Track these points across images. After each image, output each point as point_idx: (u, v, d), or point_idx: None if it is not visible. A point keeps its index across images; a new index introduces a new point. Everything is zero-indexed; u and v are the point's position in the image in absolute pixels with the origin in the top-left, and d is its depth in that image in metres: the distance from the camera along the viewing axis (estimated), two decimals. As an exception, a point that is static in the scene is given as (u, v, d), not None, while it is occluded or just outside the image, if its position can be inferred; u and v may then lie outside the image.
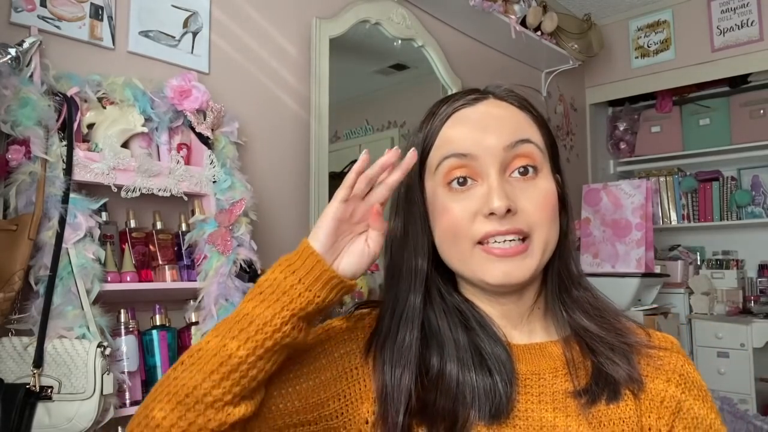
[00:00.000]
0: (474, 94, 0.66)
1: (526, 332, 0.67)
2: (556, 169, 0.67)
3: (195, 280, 1.40)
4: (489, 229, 0.60)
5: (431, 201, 0.65)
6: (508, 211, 0.59)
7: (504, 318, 0.66)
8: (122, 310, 1.30)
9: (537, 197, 0.61)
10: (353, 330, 0.68)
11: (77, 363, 1.12)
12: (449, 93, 2.49)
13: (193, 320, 1.40)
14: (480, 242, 0.61)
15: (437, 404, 0.59)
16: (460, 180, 0.62)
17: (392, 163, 0.58)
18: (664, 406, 0.62)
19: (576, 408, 0.61)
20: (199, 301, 1.38)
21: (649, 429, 0.61)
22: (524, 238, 0.61)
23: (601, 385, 0.61)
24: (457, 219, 0.61)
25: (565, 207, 0.68)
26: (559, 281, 0.67)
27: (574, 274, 0.68)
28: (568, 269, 0.67)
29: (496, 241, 0.60)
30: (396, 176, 0.59)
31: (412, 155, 0.59)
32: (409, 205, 0.66)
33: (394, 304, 0.65)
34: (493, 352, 0.62)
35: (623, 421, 0.60)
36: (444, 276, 0.67)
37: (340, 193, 0.58)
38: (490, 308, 0.66)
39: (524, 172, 0.62)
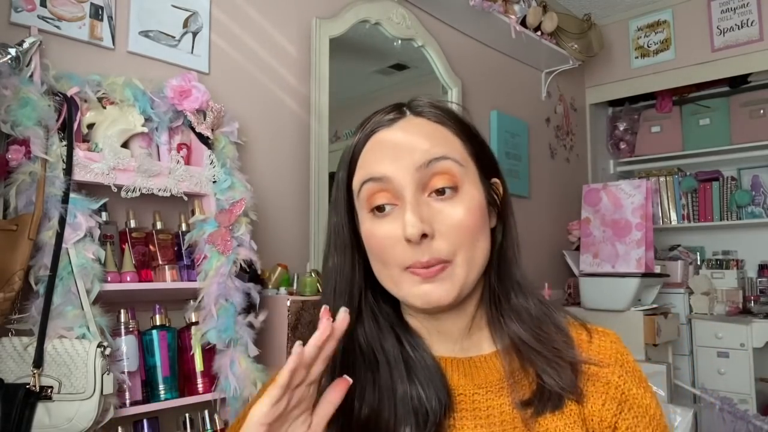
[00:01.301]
0: (393, 113, 0.64)
1: (465, 346, 0.66)
2: (488, 175, 0.65)
3: (195, 280, 1.40)
4: (412, 260, 0.58)
5: (360, 222, 0.63)
6: (424, 236, 0.57)
7: (442, 334, 0.65)
8: (122, 310, 1.30)
9: (454, 219, 0.59)
10: None
11: (77, 363, 1.12)
12: (449, 93, 2.51)
13: (193, 320, 1.41)
14: (408, 267, 0.60)
15: (363, 418, 0.59)
16: (381, 207, 0.60)
17: (327, 337, 0.53)
18: (609, 396, 0.62)
19: (518, 422, 0.60)
20: (199, 301, 1.38)
21: (592, 419, 0.61)
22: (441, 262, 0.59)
23: (544, 397, 0.60)
24: (383, 246, 0.60)
25: (504, 212, 0.66)
26: (494, 292, 0.65)
27: (515, 281, 0.66)
28: (507, 277, 0.66)
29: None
30: (330, 347, 0.54)
31: (343, 318, 0.55)
32: (337, 234, 0.65)
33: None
34: (423, 366, 0.61)
35: (568, 428, 0.59)
36: (384, 294, 0.65)
37: (273, 393, 0.51)
38: (427, 324, 0.65)
39: (441, 191, 0.59)
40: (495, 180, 0.66)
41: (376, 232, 0.60)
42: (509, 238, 0.66)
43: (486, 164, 0.65)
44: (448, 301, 0.59)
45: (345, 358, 0.62)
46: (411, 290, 0.59)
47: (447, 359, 0.64)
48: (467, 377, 0.63)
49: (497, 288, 0.65)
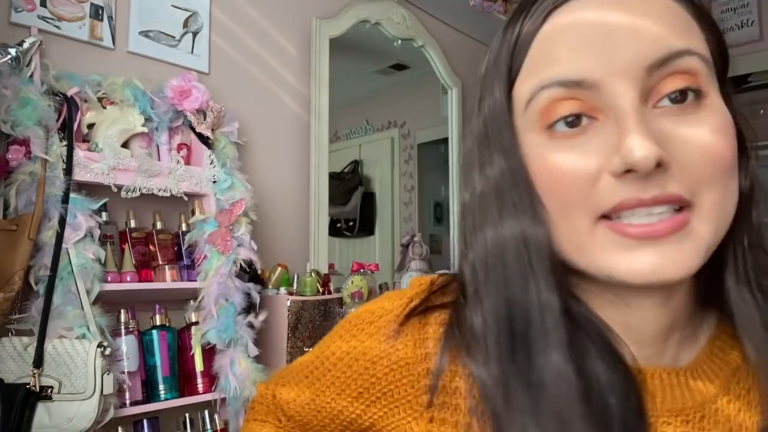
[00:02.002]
0: None
1: (666, 351, 0.43)
2: (725, 91, 0.41)
3: (195, 280, 1.40)
4: (625, 197, 0.36)
5: (525, 154, 0.40)
6: (658, 165, 0.35)
7: (634, 331, 0.42)
8: (122, 310, 1.30)
9: (704, 138, 0.36)
10: (414, 381, 0.43)
11: (77, 363, 1.12)
12: (449, 93, 2.51)
13: (193, 320, 1.41)
14: (606, 215, 0.37)
15: None
16: (570, 119, 0.38)
17: None
18: None
19: None
20: (199, 301, 1.38)
21: None
22: (681, 207, 0.36)
23: None
24: (568, 181, 0.37)
25: (743, 147, 0.41)
26: (749, 267, 0.41)
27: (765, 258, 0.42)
28: (759, 243, 0.41)
29: (634, 215, 0.36)
30: None
31: None
32: (501, 148, 0.41)
33: (504, 312, 0.40)
34: (619, 389, 0.38)
35: None
36: None
37: None
38: (613, 313, 0.41)
39: (679, 98, 0.37)
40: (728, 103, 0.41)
41: (556, 160, 0.38)
42: (758, 184, 0.42)
43: (724, 73, 0.42)
44: (687, 272, 0.36)
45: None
46: (612, 255, 0.37)
47: (648, 372, 0.41)
48: (671, 400, 0.41)
49: (743, 259, 0.41)
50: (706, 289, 0.43)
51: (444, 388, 0.42)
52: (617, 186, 0.36)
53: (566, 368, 0.37)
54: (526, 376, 0.38)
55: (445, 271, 0.48)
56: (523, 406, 0.37)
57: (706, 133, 0.37)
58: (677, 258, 0.36)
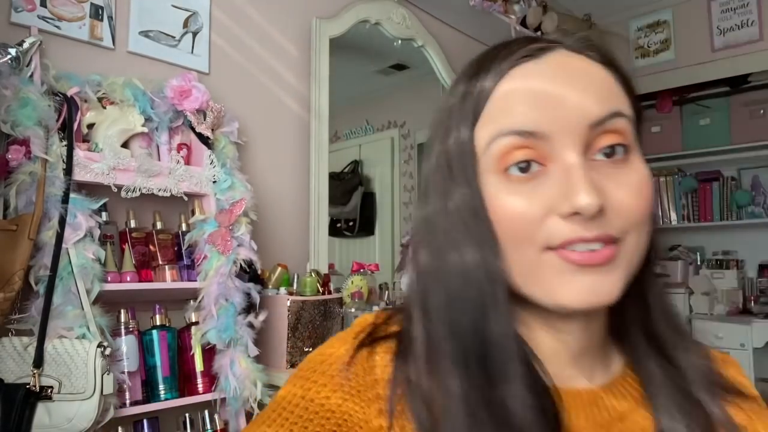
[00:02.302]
0: (538, 43, 0.46)
1: (584, 373, 0.49)
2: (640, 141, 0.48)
3: (195, 280, 1.40)
4: (571, 235, 0.42)
5: (482, 189, 0.45)
6: (599, 210, 0.41)
7: (556, 355, 0.48)
8: (122, 310, 1.30)
9: (633, 188, 0.43)
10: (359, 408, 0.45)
11: (77, 363, 1.12)
12: (449, 93, 2.51)
13: (193, 320, 1.41)
14: (551, 247, 0.43)
15: None
16: (522, 165, 0.43)
17: None
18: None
19: None
20: (199, 301, 1.38)
21: None
22: (609, 243, 0.43)
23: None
24: (521, 219, 0.43)
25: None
26: (647, 305, 0.50)
27: (662, 296, 0.52)
28: (655, 280, 0.51)
29: (575, 247, 0.43)
30: None
31: None
32: (465, 180, 0.45)
33: (461, 340, 0.44)
34: (540, 407, 0.43)
35: None
36: None
37: None
38: (541, 337, 0.48)
39: (611, 153, 0.44)
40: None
41: (511, 201, 0.43)
42: (655, 230, 0.48)
43: (640, 128, 0.49)
44: (614, 296, 0.43)
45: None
46: (563, 282, 0.43)
47: (567, 393, 0.46)
48: (585, 417, 0.47)
49: (646, 294, 0.51)
50: (614, 324, 0.51)
51: (398, 413, 0.45)
52: (564, 225, 0.42)
53: (526, 395, 0.42)
54: (488, 405, 0.42)
55: (387, 307, 0.52)
56: (483, 423, 0.41)
57: (634, 182, 0.44)
58: (606, 284, 0.43)
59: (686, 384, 0.48)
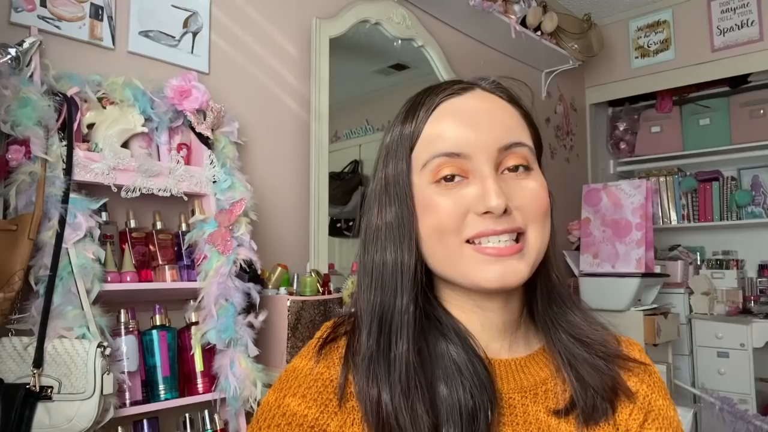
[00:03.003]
0: (459, 85, 0.62)
1: (506, 345, 0.63)
2: (542, 164, 0.65)
3: (195, 280, 1.40)
4: (482, 228, 0.56)
5: (417, 197, 0.59)
6: (505, 210, 0.56)
7: (485, 330, 0.62)
8: (122, 310, 1.30)
9: (532, 193, 0.58)
10: (319, 395, 0.58)
11: (77, 363, 1.12)
12: (449, 93, 2.51)
13: (193, 320, 1.40)
14: (469, 241, 0.57)
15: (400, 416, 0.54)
16: (449, 177, 0.58)
17: None
18: (637, 405, 0.61)
19: (570, 427, 0.58)
20: (199, 301, 1.38)
21: (618, 428, 0.59)
22: (518, 237, 0.58)
23: (590, 400, 0.58)
24: (446, 215, 0.57)
25: (551, 210, 0.63)
26: (547, 290, 0.64)
27: (557, 283, 0.64)
28: (549, 275, 0.64)
29: (489, 241, 0.56)
30: None
31: None
32: (397, 199, 0.60)
33: (378, 310, 0.59)
34: (473, 369, 0.56)
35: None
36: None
37: None
38: (472, 317, 0.61)
39: (515, 170, 0.59)
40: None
41: (440, 201, 0.57)
42: (554, 240, 0.64)
43: (540, 155, 0.64)
44: (521, 280, 0.57)
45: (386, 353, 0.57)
46: (478, 268, 0.57)
47: (495, 361, 0.61)
48: (515, 381, 0.60)
49: (545, 282, 0.63)
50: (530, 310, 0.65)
51: (349, 395, 0.58)
52: (479, 221, 0.56)
53: (409, 350, 0.56)
54: (386, 355, 0.56)
55: (343, 312, 0.66)
56: (380, 375, 0.55)
57: (532, 189, 0.59)
58: (515, 270, 0.57)
59: (589, 355, 0.61)
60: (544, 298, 0.64)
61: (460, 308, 0.62)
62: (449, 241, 0.57)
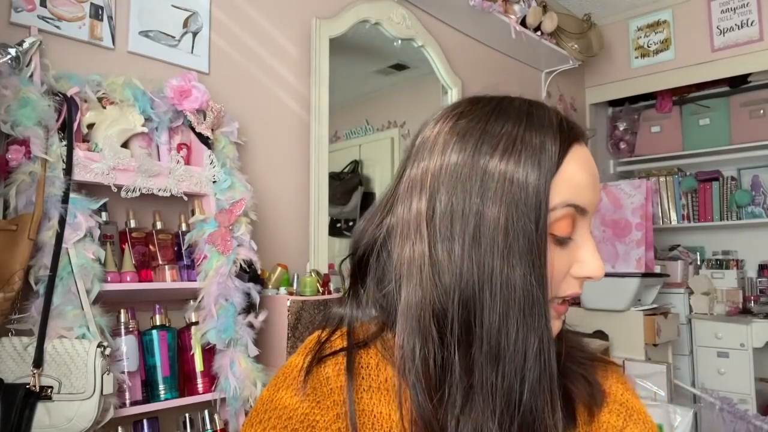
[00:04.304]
0: (574, 128, 0.56)
1: None
2: None
3: (195, 280, 1.40)
4: (573, 291, 0.55)
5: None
6: None
7: None
8: (122, 310, 1.30)
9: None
10: (313, 391, 0.57)
11: (77, 363, 1.12)
12: (449, 93, 2.51)
13: (193, 320, 1.40)
14: (558, 296, 0.56)
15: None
16: (564, 240, 0.54)
17: None
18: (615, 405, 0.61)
19: None
20: (199, 301, 1.38)
21: None
22: None
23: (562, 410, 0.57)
24: (555, 276, 0.53)
25: None
26: None
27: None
28: None
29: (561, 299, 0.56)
30: None
31: None
32: (526, 238, 0.51)
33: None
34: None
35: None
36: None
37: None
38: None
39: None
40: None
41: (554, 259, 0.53)
42: None
43: None
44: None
45: None
46: (553, 324, 0.55)
47: None
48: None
49: None
50: None
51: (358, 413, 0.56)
52: (573, 283, 0.55)
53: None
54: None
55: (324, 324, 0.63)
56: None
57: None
58: (560, 324, 0.57)
59: (564, 373, 0.59)
60: None
61: None
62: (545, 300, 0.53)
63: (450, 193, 0.51)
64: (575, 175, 0.53)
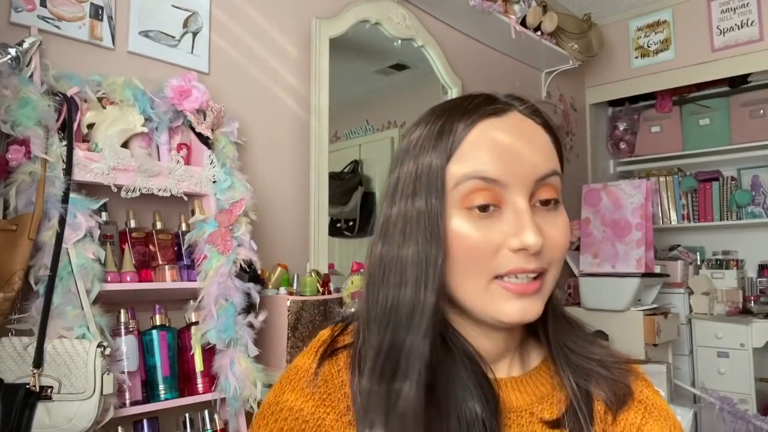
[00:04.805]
0: (498, 103, 0.58)
1: (506, 365, 0.64)
2: None
3: (195, 280, 1.40)
4: (515, 266, 0.54)
5: (447, 218, 0.56)
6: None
7: (490, 352, 0.61)
8: (122, 310, 1.30)
9: (560, 231, 0.57)
10: (317, 389, 0.57)
11: (77, 363, 1.12)
12: (449, 93, 2.51)
13: (193, 320, 1.41)
14: (497, 276, 0.55)
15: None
16: (484, 207, 0.54)
17: None
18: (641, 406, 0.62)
19: None
20: (199, 301, 1.38)
21: None
22: (538, 275, 0.56)
23: (581, 411, 0.59)
24: (478, 250, 0.54)
25: None
26: (554, 315, 0.64)
27: (559, 305, 0.66)
28: (556, 298, 0.65)
29: (515, 278, 0.55)
30: None
31: None
32: (426, 223, 0.55)
33: (385, 344, 0.55)
34: (482, 392, 0.56)
35: None
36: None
37: None
38: (486, 343, 0.61)
39: (547, 203, 0.56)
40: None
41: (471, 233, 0.54)
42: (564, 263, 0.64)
43: (562, 182, 0.62)
44: (537, 316, 0.56)
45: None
46: (500, 304, 0.55)
47: (500, 379, 0.60)
48: (519, 397, 0.61)
49: (553, 307, 0.63)
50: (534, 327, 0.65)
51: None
52: (512, 258, 0.54)
53: (417, 392, 0.52)
54: (388, 391, 0.53)
55: (339, 320, 0.65)
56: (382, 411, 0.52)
57: (560, 227, 0.57)
58: (534, 308, 0.56)
59: (588, 375, 0.61)
60: (550, 321, 0.64)
61: (468, 332, 0.60)
62: (479, 277, 0.55)
63: (389, 202, 0.59)
64: (478, 148, 0.55)
